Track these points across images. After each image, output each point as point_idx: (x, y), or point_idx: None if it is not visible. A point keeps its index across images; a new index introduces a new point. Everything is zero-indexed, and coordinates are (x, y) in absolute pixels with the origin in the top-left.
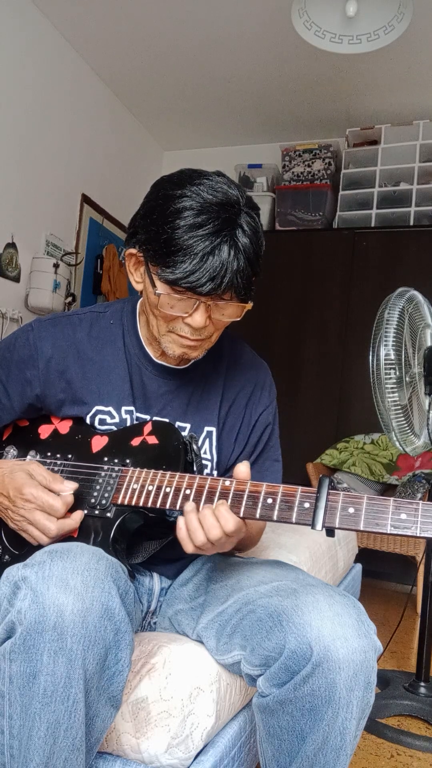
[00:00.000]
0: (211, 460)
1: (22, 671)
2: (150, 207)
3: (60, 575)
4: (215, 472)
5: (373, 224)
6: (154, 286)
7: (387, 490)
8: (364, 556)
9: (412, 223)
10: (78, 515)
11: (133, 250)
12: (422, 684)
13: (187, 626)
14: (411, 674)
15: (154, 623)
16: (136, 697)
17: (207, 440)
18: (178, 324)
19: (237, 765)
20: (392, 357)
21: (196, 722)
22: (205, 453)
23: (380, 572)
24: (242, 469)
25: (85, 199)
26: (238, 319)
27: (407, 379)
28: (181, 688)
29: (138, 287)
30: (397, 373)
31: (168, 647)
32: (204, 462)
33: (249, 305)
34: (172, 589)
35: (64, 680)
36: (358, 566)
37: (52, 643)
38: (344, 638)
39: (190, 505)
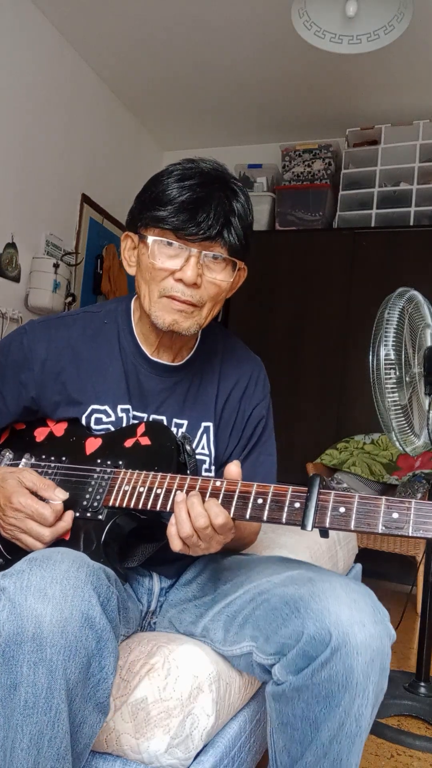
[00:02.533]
0: (209, 455)
1: (2, 683)
2: (144, 186)
3: (38, 585)
4: (213, 467)
5: (373, 224)
6: (146, 240)
7: (387, 490)
8: (364, 556)
9: (412, 223)
10: (69, 516)
11: (128, 232)
12: (422, 684)
13: (191, 623)
14: (411, 674)
15: (154, 623)
16: (135, 698)
17: (204, 435)
18: (170, 282)
19: (237, 765)
20: (392, 357)
21: (196, 722)
22: (203, 448)
23: (380, 572)
24: (233, 468)
25: (85, 199)
26: (230, 280)
27: (407, 379)
28: (181, 688)
29: (132, 270)
30: (397, 373)
31: (167, 647)
32: (202, 457)
33: (242, 269)
34: (174, 590)
35: (46, 691)
36: (358, 566)
37: (31, 654)
38: (362, 624)
39: (180, 496)
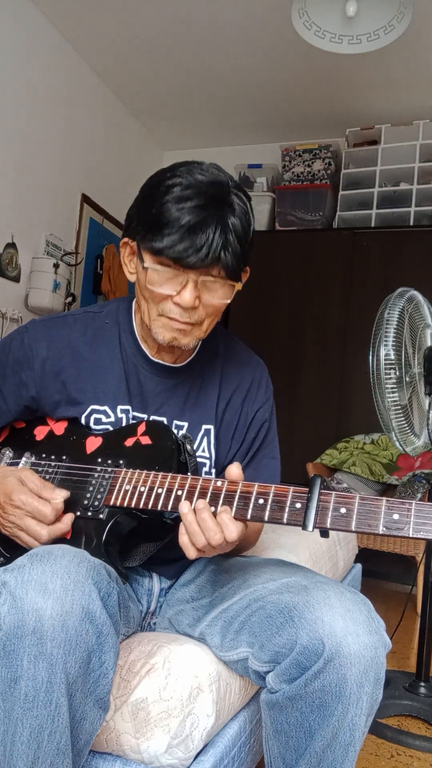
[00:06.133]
0: (210, 458)
1: (3, 676)
2: (143, 192)
3: (39, 579)
4: (213, 470)
5: (373, 224)
6: (143, 261)
7: (387, 490)
8: (364, 556)
9: (412, 223)
10: (68, 518)
11: (126, 239)
12: (422, 684)
13: (188, 626)
14: (411, 674)
15: (154, 623)
16: (135, 698)
17: (205, 438)
18: (168, 305)
19: (237, 765)
20: (392, 357)
21: (196, 722)
22: (203, 451)
23: (380, 572)
24: (234, 470)
25: (85, 199)
26: (228, 301)
27: (407, 379)
28: (181, 688)
29: (132, 278)
30: (397, 373)
31: (168, 647)
32: (202, 460)
33: (239, 285)
34: (173, 590)
35: (46, 685)
36: (358, 566)
37: (31, 647)
38: (355, 634)
39: (185, 507)
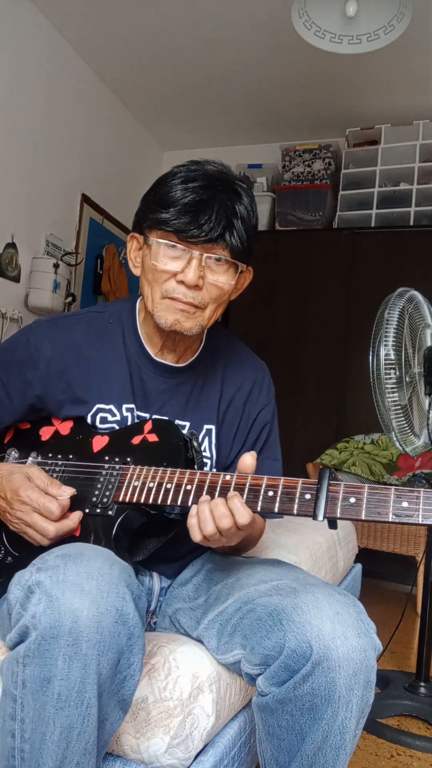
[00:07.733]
0: (211, 458)
1: (36, 676)
2: (151, 187)
3: (74, 580)
4: (215, 470)
5: (373, 224)
6: (148, 240)
7: None
8: (364, 556)
9: (412, 223)
10: (77, 515)
11: (134, 233)
12: (422, 684)
13: (187, 626)
14: (411, 674)
15: (154, 623)
16: (135, 698)
17: (206, 438)
18: (172, 284)
19: (237, 765)
20: (392, 357)
21: (196, 722)
22: (204, 451)
23: (380, 572)
24: (248, 459)
25: (85, 199)
26: (232, 283)
27: (407, 379)
28: (181, 688)
29: (136, 271)
30: (397, 373)
31: (168, 647)
32: (204, 460)
33: (247, 273)
34: (171, 589)
35: (79, 685)
36: (358, 566)
37: (67, 648)
38: (344, 637)
39: (204, 497)
